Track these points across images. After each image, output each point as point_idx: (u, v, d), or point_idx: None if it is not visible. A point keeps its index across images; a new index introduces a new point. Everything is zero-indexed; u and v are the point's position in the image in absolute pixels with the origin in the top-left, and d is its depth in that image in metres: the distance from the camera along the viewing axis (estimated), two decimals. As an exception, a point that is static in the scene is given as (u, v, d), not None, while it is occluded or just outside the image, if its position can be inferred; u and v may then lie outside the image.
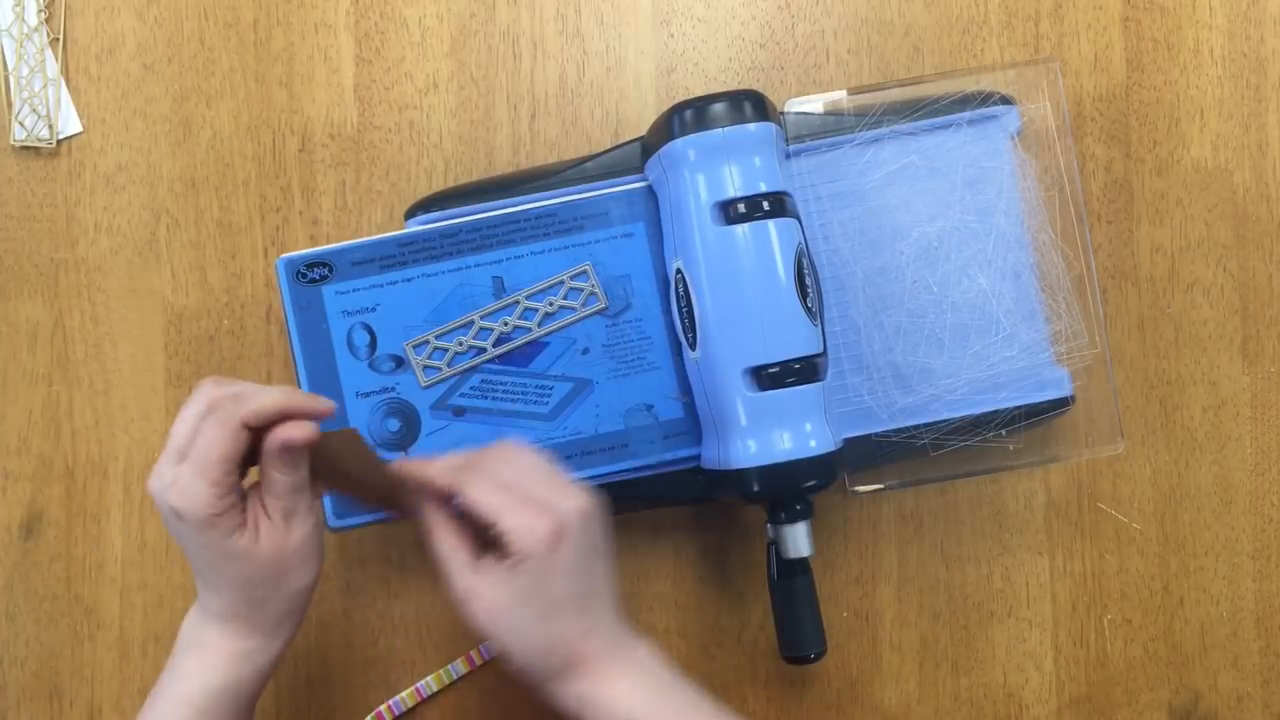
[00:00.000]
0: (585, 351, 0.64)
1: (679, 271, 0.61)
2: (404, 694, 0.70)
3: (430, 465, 0.56)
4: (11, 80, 0.72)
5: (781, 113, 0.65)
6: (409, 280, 0.64)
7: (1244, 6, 0.73)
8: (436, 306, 0.64)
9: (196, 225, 0.72)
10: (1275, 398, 0.72)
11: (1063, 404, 0.65)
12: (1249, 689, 0.72)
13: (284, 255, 0.64)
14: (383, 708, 0.70)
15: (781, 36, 0.73)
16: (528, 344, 0.64)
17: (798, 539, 0.61)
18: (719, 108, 0.60)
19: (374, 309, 0.64)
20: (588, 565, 0.54)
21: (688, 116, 0.60)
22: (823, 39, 0.73)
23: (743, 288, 0.58)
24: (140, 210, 0.72)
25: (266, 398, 0.52)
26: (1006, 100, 0.67)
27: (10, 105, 0.72)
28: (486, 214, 0.64)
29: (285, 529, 0.54)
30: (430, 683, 0.70)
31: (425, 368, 0.64)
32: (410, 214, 0.67)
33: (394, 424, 0.63)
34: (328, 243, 0.71)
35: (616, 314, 0.64)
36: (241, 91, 0.72)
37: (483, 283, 0.64)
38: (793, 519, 0.61)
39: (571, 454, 0.64)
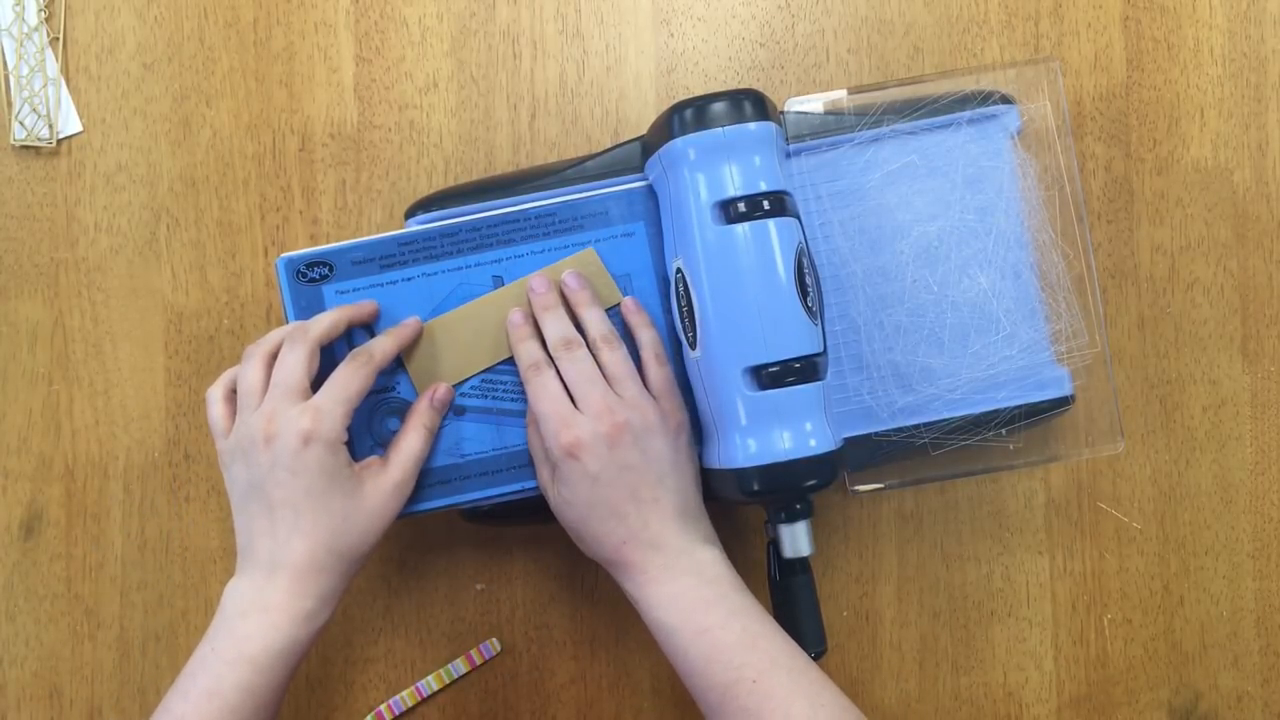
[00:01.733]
0: None
1: (679, 271, 0.61)
2: (404, 693, 0.70)
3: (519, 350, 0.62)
4: (11, 80, 0.72)
5: (781, 112, 0.65)
6: (409, 280, 0.64)
7: (1244, 6, 0.73)
8: (437, 306, 0.64)
9: (196, 225, 0.72)
10: (1275, 397, 0.72)
11: (1063, 403, 0.65)
12: (1249, 688, 0.72)
13: (284, 255, 0.64)
14: (383, 707, 0.70)
15: (781, 36, 0.73)
16: None
17: (798, 538, 0.61)
18: (719, 107, 0.60)
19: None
20: (618, 477, 0.58)
21: (688, 116, 0.60)
22: (823, 38, 0.73)
23: (743, 287, 0.58)
24: (140, 210, 0.72)
25: (327, 318, 0.60)
26: (1006, 100, 0.67)
27: (10, 105, 0.72)
28: (487, 214, 0.64)
29: (389, 484, 0.60)
30: (430, 682, 0.70)
31: None
32: (410, 213, 0.67)
33: (394, 423, 0.63)
34: (328, 242, 0.71)
35: (615, 311, 0.64)
36: (241, 91, 0.72)
37: (483, 282, 0.64)
38: (793, 518, 0.61)
39: None
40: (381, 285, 0.64)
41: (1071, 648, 0.72)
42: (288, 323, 0.64)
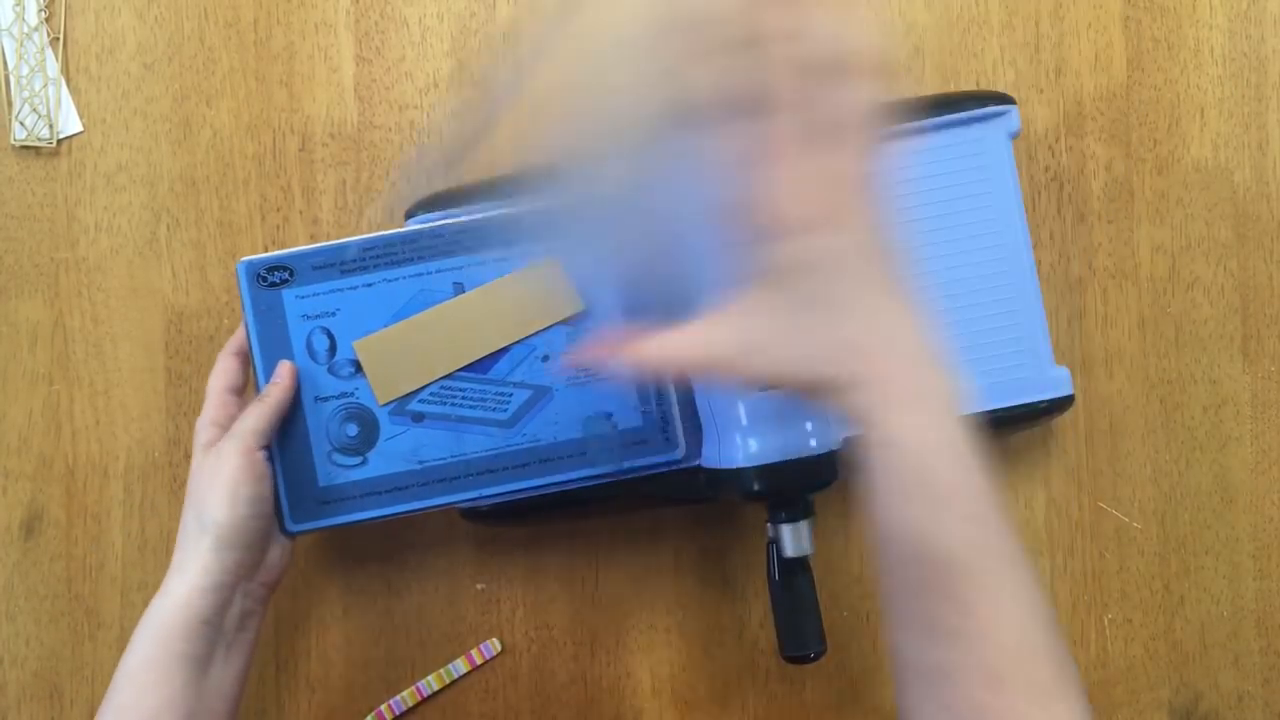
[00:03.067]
0: (545, 358, 0.64)
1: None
2: (404, 693, 0.70)
3: None
4: (12, 80, 0.72)
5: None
6: (370, 285, 0.64)
7: (1244, 6, 0.73)
8: (397, 312, 0.64)
9: (197, 225, 0.72)
10: (1275, 397, 0.72)
11: (1064, 403, 0.66)
12: (1250, 688, 0.72)
13: (244, 259, 0.63)
14: (383, 707, 0.70)
15: (782, 36, 0.73)
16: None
17: (799, 538, 0.61)
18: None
19: (334, 313, 0.63)
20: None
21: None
22: (823, 38, 0.73)
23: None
24: (141, 210, 0.72)
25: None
26: (1006, 99, 0.67)
27: (10, 105, 0.72)
28: (447, 221, 0.64)
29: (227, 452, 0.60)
30: (431, 682, 0.70)
31: None
32: (411, 214, 0.67)
33: (352, 429, 0.63)
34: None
35: (577, 321, 0.64)
36: (242, 91, 0.72)
37: (443, 289, 0.64)
38: (793, 518, 0.61)
39: (528, 461, 0.63)
40: (342, 290, 0.63)
41: (1072, 648, 0.72)
42: (247, 327, 0.63)
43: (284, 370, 0.62)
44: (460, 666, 0.71)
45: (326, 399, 0.63)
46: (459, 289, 0.64)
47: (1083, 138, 0.73)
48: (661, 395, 0.64)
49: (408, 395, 0.63)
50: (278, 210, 0.72)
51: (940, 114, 0.66)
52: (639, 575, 0.71)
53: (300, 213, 0.72)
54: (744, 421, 0.59)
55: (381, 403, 0.63)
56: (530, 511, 0.65)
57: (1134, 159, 0.73)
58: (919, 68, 0.73)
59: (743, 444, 0.59)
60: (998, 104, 0.66)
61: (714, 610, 0.71)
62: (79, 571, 0.71)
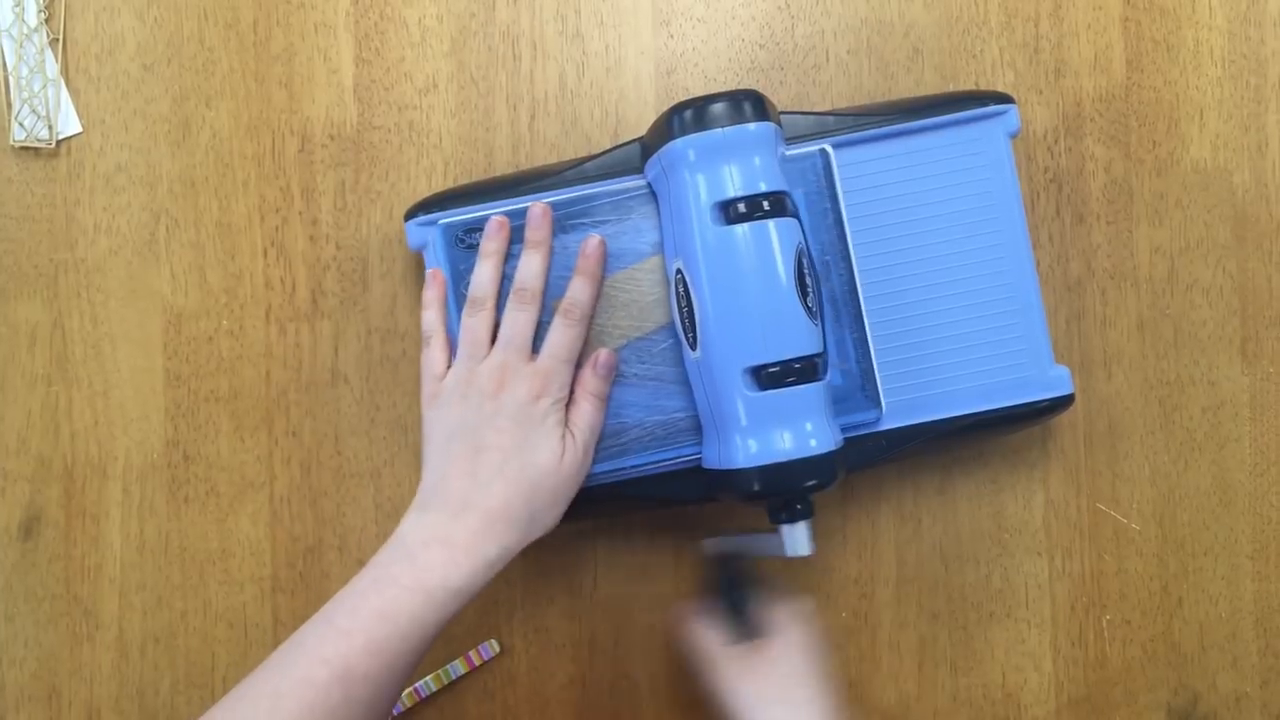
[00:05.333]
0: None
1: (679, 271, 0.61)
2: (403, 694, 0.70)
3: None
4: (11, 80, 0.72)
5: (781, 112, 0.65)
6: (565, 247, 0.64)
7: (1244, 7, 0.73)
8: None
9: (196, 226, 0.72)
10: (1274, 398, 0.72)
11: (1064, 402, 0.66)
12: (1248, 689, 0.72)
13: (442, 220, 0.64)
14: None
15: (781, 37, 0.73)
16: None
17: (798, 539, 0.61)
18: (718, 108, 0.60)
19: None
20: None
21: (687, 117, 0.60)
22: (822, 39, 0.73)
23: (743, 287, 0.58)
24: (140, 211, 0.72)
25: (581, 298, 0.62)
26: (1006, 99, 0.67)
27: (10, 105, 0.72)
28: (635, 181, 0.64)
29: (578, 451, 0.60)
30: (429, 683, 0.70)
31: None
32: (410, 215, 0.67)
33: None
34: (326, 243, 0.71)
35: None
36: (241, 92, 0.72)
37: (639, 248, 0.64)
38: (793, 519, 0.60)
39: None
40: (514, 255, 0.64)
41: (1070, 649, 0.72)
42: (450, 291, 0.64)
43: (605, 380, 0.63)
44: (458, 668, 0.71)
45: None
46: (655, 249, 0.64)
47: (1082, 139, 0.73)
48: (861, 353, 0.64)
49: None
50: (277, 211, 0.72)
51: (939, 114, 0.66)
52: (638, 576, 0.71)
53: (300, 214, 0.72)
54: (744, 422, 0.59)
55: None
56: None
57: (1133, 160, 0.73)
58: (918, 69, 0.73)
59: (743, 444, 0.59)
60: (997, 104, 0.66)
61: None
62: (77, 573, 0.71)
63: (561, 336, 0.61)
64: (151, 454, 0.71)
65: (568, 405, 0.61)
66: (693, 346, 0.61)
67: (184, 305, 0.72)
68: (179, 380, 0.72)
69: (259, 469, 0.71)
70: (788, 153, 0.64)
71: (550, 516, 0.59)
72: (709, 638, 0.63)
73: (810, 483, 0.59)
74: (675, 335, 0.63)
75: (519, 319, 0.61)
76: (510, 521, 0.58)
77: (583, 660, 0.71)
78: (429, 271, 0.64)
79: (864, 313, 0.64)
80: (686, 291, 0.60)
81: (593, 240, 0.63)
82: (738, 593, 0.65)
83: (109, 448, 0.72)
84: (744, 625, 0.63)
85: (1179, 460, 0.72)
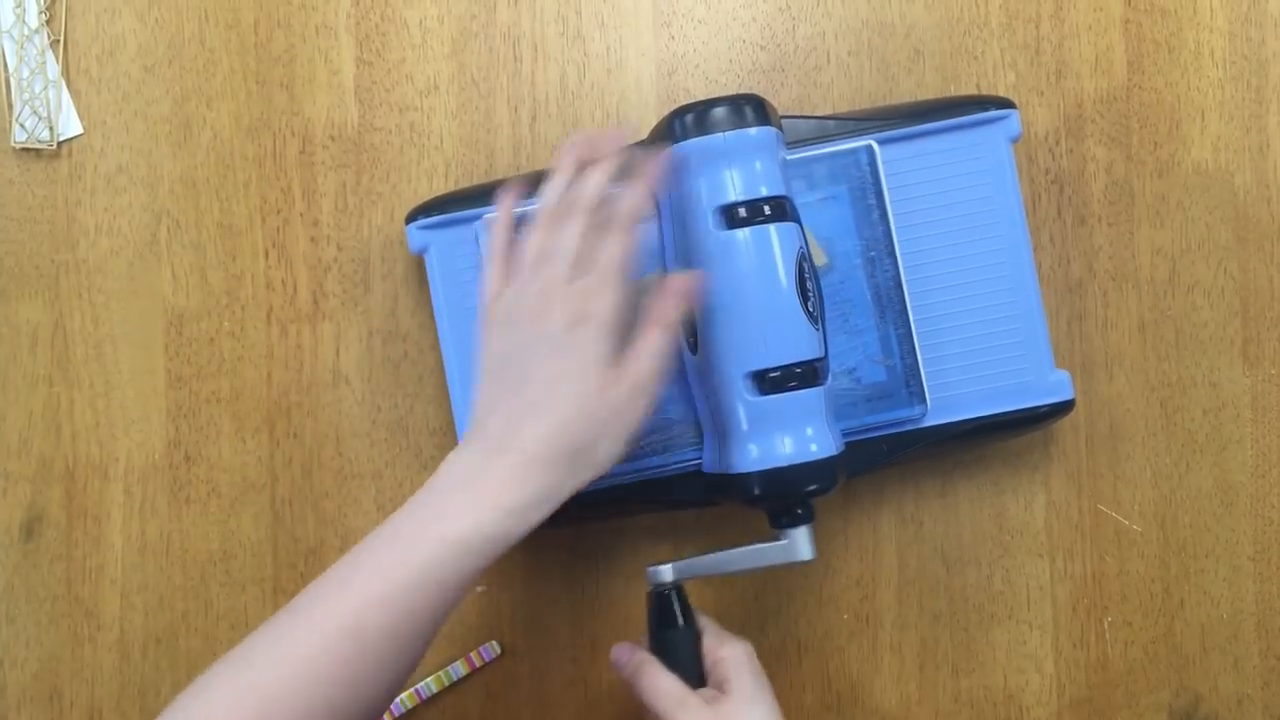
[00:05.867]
0: None
1: (681, 275, 0.61)
2: (404, 695, 0.70)
3: None
4: (12, 82, 0.72)
5: (782, 117, 0.65)
6: None
7: (1244, 8, 0.73)
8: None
9: (197, 227, 0.72)
10: (1276, 400, 0.72)
11: (1064, 408, 0.66)
12: (1249, 691, 0.72)
13: (488, 215, 0.64)
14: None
15: (782, 38, 0.73)
16: None
17: (799, 543, 0.61)
18: (720, 112, 0.60)
19: None
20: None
21: (688, 121, 0.60)
22: (823, 41, 0.73)
23: (744, 292, 0.58)
24: (141, 212, 0.72)
25: (627, 202, 0.56)
26: (1007, 104, 0.66)
27: (11, 107, 0.72)
28: None
29: (629, 381, 0.54)
30: (430, 684, 0.70)
31: None
32: (411, 218, 0.67)
33: None
34: (328, 244, 0.71)
35: (824, 273, 0.64)
36: (242, 93, 0.72)
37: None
38: (794, 523, 0.60)
39: None
40: None
41: (1072, 650, 0.72)
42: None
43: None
44: (460, 669, 0.71)
45: None
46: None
47: (1083, 140, 0.73)
48: (906, 349, 0.64)
49: None
50: (278, 212, 0.72)
51: (940, 118, 0.66)
52: (639, 578, 0.71)
53: (300, 215, 0.72)
54: (745, 427, 0.59)
55: None
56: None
57: (1134, 162, 0.73)
58: (919, 70, 0.73)
59: (743, 449, 0.59)
60: (998, 108, 0.66)
61: (715, 612, 0.71)
62: (79, 573, 0.71)
63: (606, 249, 0.55)
64: (153, 455, 0.72)
65: (637, 333, 0.55)
66: (693, 350, 0.61)
67: (185, 306, 0.72)
68: (180, 381, 0.72)
69: (260, 470, 0.71)
70: (832, 149, 0.64)
71: (601, 455, 0.54)
72: (661, 685, 0.58)
73: (811, 487, 0.59)
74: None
75: (565, 233, 0.55)
76: (548, 463, 0.52)
77: (584, 662, 0.71)
78: (499, 191, 0.60)
79: (909, 309, 0.64)
80: (688, 294, 0.60)
81: (663, 153, 0.58)
82: (673, 632, 0.61)
83: (110, 449, 0.72)
84: (686, 668, 0.59)
85: (1180, 462, 0.72)
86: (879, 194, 0.64)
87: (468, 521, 0.51)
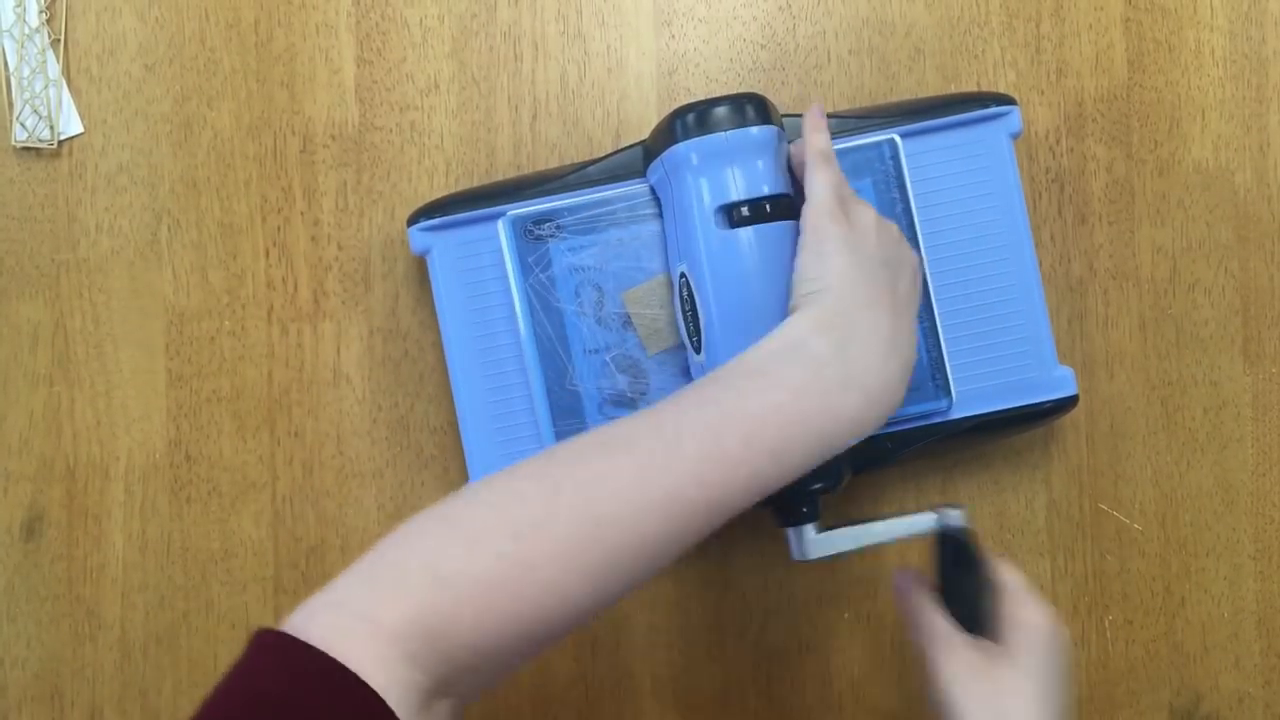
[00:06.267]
0: None
1: (683, 275, 0.61)
2: (406, 695, 0.70)
3: None
4: (13, 81, 0.72)
5: (783, 115, 0.65)
6: (636, 237, 0.64)
7: (1245, 7, 0.73)
8: (664, 263, 0.63)
9: (198, 226, 0.72)
10: (1277, 399, 0.72)
11: (1068, 403, 0.66)
12: (1250, 689, 0.72)
13: (511, 213, 0.64)
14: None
15: (783, 37, 0.73)
16: None
17: (804, 541, 0.61)
18: (721, 111, 0.60)
19: (602, 266, 0.64)
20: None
21: (690, 120, 0.60)
22: (824, 39, 0.73)
23: (747, 291, 0.58)
24: (141, 211, 0.72)
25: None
26: (1008, 100, 0.67)
27: (11, 106, 0.72)
28: None
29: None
30: (432, 684, 0.70)
31: None
32: (413, 220, 0.67)
33: (623, 380, 0.63)
34: (329, 243, 0.71)
35: None
36: (243, 92, 0.72)
37: None
38: (799, 521, 0.60)
39: None
40: (609, 243, 0.64)
41: (1073, 649, 0.72)
42: (513, 281, 0.63)
43: None
44: (461, 668, 0.71)
45: (596, 351, 0.63)
46: None
47: (1083, 139, 0.73)
48: (932, 341, 0.64)
49: (677, 345, 0.63)
50: (279, 212, 0.72)
51: (941, 115, 0.66)
52: (640, 577, 0.71)
53: (301, 214, 0.72)
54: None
55: (651, 353, 0.63)
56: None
57: (1135, 160, 0.73)
58: (920, 69, 0.73)
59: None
60: (999, 105, 0.66)
61: (715, 611, 0.71)
62: (80, 573, 0.71)
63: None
64: (153, 454, 0.71)
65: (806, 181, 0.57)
66: (697, 350, 0.61)
67: (186, 305, 0.72)
68: (181, 380, 0.72)
69: (261, 469, 0.71)
70: (855, 143, 0.64)
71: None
72: (929, 620, 0.56)
73: (816, 486, 0.59)
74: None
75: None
76: (899, 392, 0.52)
77: (585, 660, 0.71)
78: (813, 107, 0.59)
79: (934, 301, 0.64)
80: (691, 295, 0.60)
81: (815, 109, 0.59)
82: (956, 577, 0.58)
83: (111, 448, 0.72)
84: (965, 614, 0.57)
85: (1181, 461, 0.72)
86: (902, 187, 0.64)
87: (849, 427, 0.50)
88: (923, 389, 0.64)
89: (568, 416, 0.64)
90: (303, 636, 0.42)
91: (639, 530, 0.46)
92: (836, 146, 0.62)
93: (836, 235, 0.53)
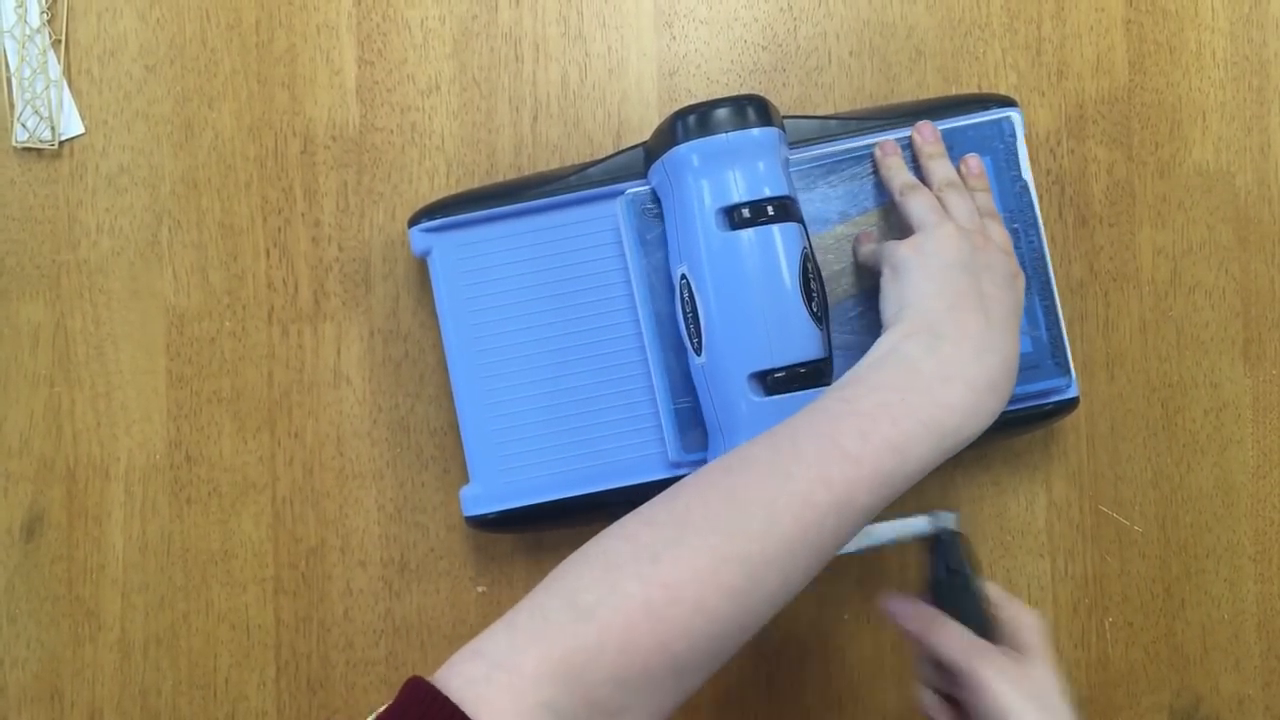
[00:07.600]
0: None
1: (684, 277, 0.61)
2: (406, 696, 0.70)
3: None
4: (14, 81, 0.72)
5: (784, 117, 0.65)
6: None
7: (1246, 9, 0.73)
8: None
9: (198, 227, 0.72)
10: (1277, 400, 0.72)
11: (1069, 405, 0.66)
12: (1250, 691, 0.72)
13: (629, 191, 0.64)
14: (383, 709, 0.70)
15: (784, 39, 0.73)
16: None
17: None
18: (722, 113, 0.60)
19: None
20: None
21: (691, 122, 0.60)
22: (825, 41, 0.73)
23: (748, 293, 0.58)
24: (142, 212, 0.72)
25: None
26: (1009, 102, 0.67)
27: (12, 106, 0.72)
28: (845, 141, 0.65)
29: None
30: (432, 685, 0.70)
31: None
32: (413, 221, 0.67)
33: None
34: (329, 245, 0.71)
35: None
36: (243, 93, 0.72)
37: (826, 215, 0.65)
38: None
39: None
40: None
41: (1073, 651, 0.72)
42: (630, 260, 0.64)
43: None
44: (461, 669, 0.71)
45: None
46: (844, 217, 0.64)
47: (1084, 141, 0.73)
48: (1051, 320, 0.64)
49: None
50: (279, 212, 0.72)
51: (943, 116, 0.66)
52: (640, 578, 0.71)
53: (302, 215, 0.72)
54: (750, 427, 0.59)
55: None
56: (532, 519, 0.65)
57: (1135, 162, 0.73)
58: (920, 71, 0.73)
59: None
60: (1000, 106, 0.66)
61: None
62: (80, 573, 0.71)
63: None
64: (154, 455, 0.71)
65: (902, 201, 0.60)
66: (698, 352, 0.61)
67: (186, 306, 0.72)
68: (181, 381, 0.72)
69: (261, 470, 0.71)
70: (974, 120, 0.65)
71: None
72: (958, 637, 0.56)
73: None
74: (864, 303, 0.63)
75: (963, 203, 0.60)
76: (1005, 385, 0.52)
77: (585, 662, 0.71)
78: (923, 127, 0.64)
79: (1052, 279, 0.64)
80: (691, 297, 0.60)
81: (924, 126, 0.63)
82: (963, 581, 0.59)
83: (111, 449, 0.72)
84: (971, 621, 0.57)
85: (1181, 462, 0.72)
86: (1019, 165, 0.65)
87: (960, 419, 0.50)
88: (1042, 366, 0.64)
89: (684, 395, 0.63)
90: (444, 688, 0.43)
91: (773, 539, 0.47)
92: (951, 125, 0.64)
93: (906, 257, 0.55)
